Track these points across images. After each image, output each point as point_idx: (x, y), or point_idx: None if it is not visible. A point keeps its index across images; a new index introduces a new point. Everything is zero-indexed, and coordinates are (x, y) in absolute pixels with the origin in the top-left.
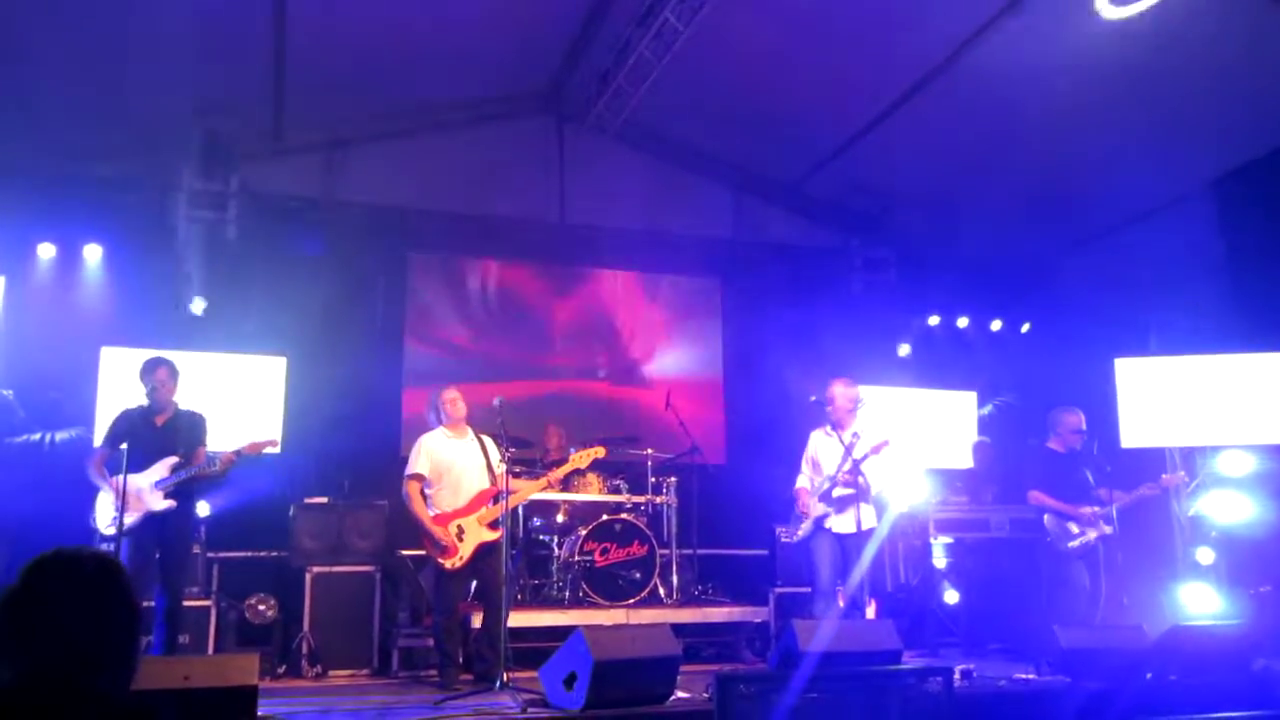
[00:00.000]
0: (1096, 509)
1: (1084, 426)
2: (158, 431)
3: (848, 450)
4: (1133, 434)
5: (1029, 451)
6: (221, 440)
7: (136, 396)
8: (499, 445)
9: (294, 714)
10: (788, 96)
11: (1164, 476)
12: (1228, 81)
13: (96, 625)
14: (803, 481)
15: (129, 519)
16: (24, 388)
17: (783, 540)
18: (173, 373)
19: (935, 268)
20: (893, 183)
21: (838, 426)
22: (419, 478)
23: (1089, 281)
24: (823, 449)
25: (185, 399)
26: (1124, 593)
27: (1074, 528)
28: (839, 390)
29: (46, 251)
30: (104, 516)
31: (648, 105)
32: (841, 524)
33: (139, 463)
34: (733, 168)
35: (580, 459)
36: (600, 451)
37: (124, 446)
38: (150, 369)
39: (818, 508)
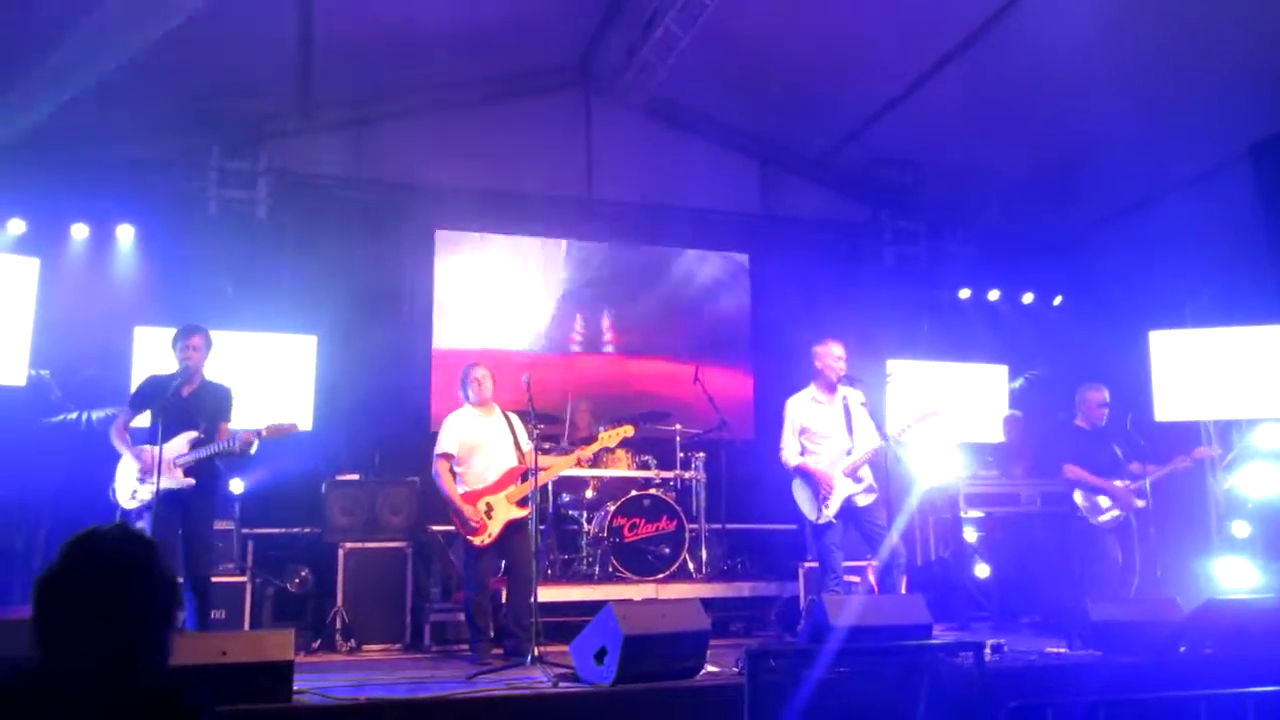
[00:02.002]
0: (1128, 483)
1: (1107, 401)
2: (183, 402)
3: (848, 416)
4: (1167, 407)
5: (1058, 429)
6: (250, 418)
7: (170, 369)
8: (526, 422)
9: (329, 688)
10: (815, 69)
11: (1197, 450)
12: (1263, 47)
13: (132, 605)
14: (793, 455)
15: (146, 493)
16: (60, 368)
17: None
18: (208, 341)
19: (966, 240)
20: (922, 155)
21: (829, 389)
22: (448, 456)
23: (1122, 253)
24: (814, 417)
25: (217, 376)
26: (1158, 566)
27: (1104, 502)
28: (833, 349)
29: (80, 232)
30: (123, 488)
31: (675, 79)
32: (862, 496)
33: (162, 434)
34: (760, 141)
35: (609, 438)
36: (629, 430)
37: (153, 417)
38: (186, 334)
39: (847, 485)
